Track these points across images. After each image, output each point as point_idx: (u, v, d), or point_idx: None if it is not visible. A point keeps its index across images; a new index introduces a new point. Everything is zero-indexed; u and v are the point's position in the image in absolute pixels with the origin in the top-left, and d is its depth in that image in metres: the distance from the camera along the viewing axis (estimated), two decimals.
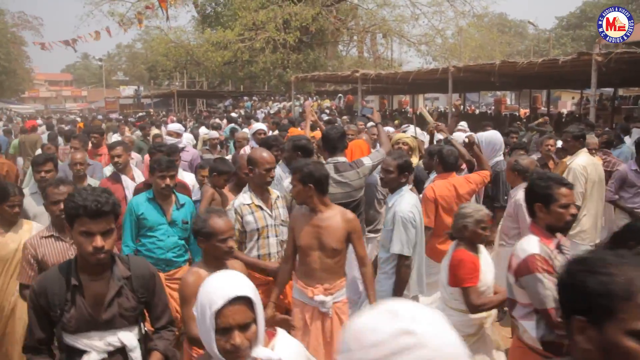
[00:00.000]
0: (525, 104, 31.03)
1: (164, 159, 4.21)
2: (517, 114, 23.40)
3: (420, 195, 4.50)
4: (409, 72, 15.86)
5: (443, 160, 4.58)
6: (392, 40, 29.78)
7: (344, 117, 17.06)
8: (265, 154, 3.78)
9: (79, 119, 24.77)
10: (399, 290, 3.63)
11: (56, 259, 3.20)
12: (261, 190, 3.79)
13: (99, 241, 2.19)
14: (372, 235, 4.78)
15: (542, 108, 24.02)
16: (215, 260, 2.76)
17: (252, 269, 3.55)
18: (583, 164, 5.01)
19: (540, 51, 36.11)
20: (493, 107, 30.36)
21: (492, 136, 5.76)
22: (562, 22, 46.88)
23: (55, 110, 51.26)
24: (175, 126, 8.25)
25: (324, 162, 4.29)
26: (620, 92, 23.92)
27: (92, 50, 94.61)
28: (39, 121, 19.87)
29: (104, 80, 57.12)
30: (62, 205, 2.55)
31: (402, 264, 3.58)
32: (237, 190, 4.31)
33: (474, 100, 38.24)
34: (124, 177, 5.30)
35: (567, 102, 32.82)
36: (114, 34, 27.84)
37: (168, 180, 4.03)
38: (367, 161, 4.36)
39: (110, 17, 26.97)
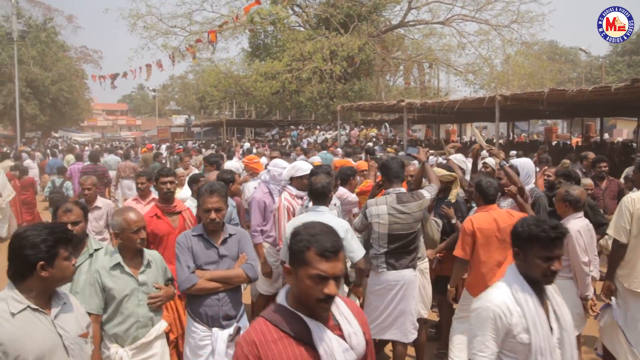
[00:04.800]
0: (577, 132, 30.21)
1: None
2: (569, 143, 22.78)
3: None
4: (455, 101, 15.77)
5: (483, 193, 4.38)
6: (439, 70, 29.77)
7: (393, 146, 17.12)
8: None
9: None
10: None
11: None
12: None
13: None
14: None
15: (596, 136, 23.30)
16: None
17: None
18: (634, 197, 4.38)
19: (592, 78, 35.16)
20: (543, 136, 29.67)
21: (525, 162, 5.66)
22: (617, 48, 45.54)
23: (111, 138, 53.67)
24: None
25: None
26: None
27: (147, 82, 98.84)
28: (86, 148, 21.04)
29: (157, 110, 59.41)
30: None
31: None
32: None
33: (523, 128, 37.53)
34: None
35: (622, 131, 31.65)
36: (166, 67, 29.06)
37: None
38: (427, 194, 4.32)
39: (163, 50, 28.18)
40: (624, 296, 4.26)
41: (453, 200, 5.17)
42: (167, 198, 4.63)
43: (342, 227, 3.89)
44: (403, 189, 4.32)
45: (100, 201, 6.20)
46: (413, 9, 28.23)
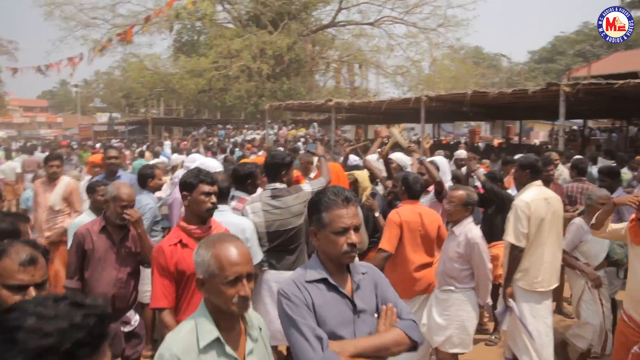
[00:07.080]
0: (499, 135, 31.49)
1: None
2: (491, 144, 23.63)
3: None
4: (382, 101, 15.88)
5: (409, 188, 4.28)
6: (368, 71, 30.17)
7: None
8: None
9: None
10: None
11: None
12: None
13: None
14: None
15: (514, 139, 24.33)
16: None
17: None
18: (527, 200, 4.27)
19: (513, 83, 36.89)
20: (467, 138, 30.67)
21: (440, 160, 5.93)
22: (535, 56, 48.13)
23: (29, 136, 50.35)
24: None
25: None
26: (591, 124, 24.41)
27: (70, 77, 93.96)
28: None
29: (79, 107, 56.53)
30: None
31: None
32: None
33: (448, 130, 38.74)
34: None
35: (539, 133, 33.40)
36: (88, 61, 27.51)
37: None
38: (307, 187, 4.19)
39: (83, 43, 26.79)
40: (520, 296, 4.26)
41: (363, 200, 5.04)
42: (206, 217, 3.15)
43: (248, 226, 3.83)
44: (282, 185, 4.13)
45: None
46: (343, 9, 28.48)
